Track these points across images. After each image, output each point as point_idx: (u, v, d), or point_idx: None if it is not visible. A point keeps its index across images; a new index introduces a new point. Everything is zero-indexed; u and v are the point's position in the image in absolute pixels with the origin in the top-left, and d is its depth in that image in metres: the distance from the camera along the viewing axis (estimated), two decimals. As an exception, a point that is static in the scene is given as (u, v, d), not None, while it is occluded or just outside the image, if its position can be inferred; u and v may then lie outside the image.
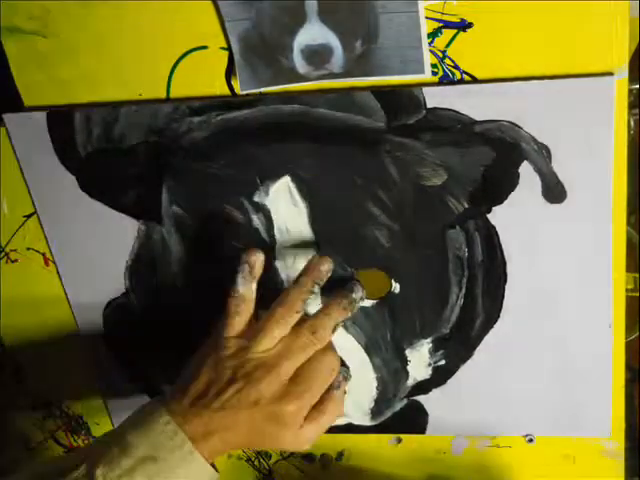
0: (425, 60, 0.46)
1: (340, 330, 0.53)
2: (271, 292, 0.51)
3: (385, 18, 0.45)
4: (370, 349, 0.55)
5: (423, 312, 0.53)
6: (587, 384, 0.54)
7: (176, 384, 0.48)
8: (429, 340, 0.54)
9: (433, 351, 0.55)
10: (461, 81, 0.47)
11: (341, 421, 0.57)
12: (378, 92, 0.48)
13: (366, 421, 0.58)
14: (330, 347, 0.49)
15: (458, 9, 0.45)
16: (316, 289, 0.48)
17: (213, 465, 0.46)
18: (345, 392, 0.50)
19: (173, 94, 0.51)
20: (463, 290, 0.52)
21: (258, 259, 0.49)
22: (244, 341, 0.47)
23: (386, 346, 0.54)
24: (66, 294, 0.59)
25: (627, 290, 0.51)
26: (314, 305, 0.50)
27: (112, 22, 0.49)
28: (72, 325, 0.60)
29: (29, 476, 0.45)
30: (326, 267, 0.49)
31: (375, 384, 0.56)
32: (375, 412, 0.57)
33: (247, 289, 0.49)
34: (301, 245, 0.52)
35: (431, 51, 0.46)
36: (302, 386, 0.46)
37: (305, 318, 0.48)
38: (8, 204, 0.57)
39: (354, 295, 0.49)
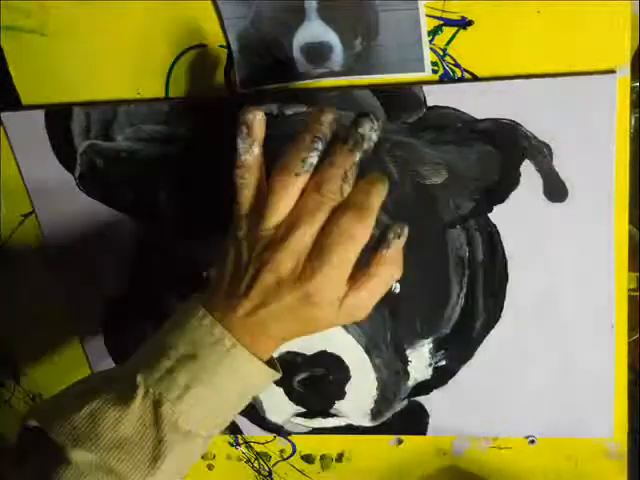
0: (425, 58, 0.46)
1: (340, 330, 0.53)
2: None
3: (385, 16, 0.45)
4: (370, 349, 0.54)
5: (424, 312, 0.53)
6: (589, 385, 0.53)
7: (212, 278, 0.43)
8: (430, 340, 0.54)
9: (434, 351, 0.55)
10: (462, 79, 0.47)
11: (341, 422, 0.57)
12: (378, 90, 0.47)
13: (366, 422, 0.57)
14: (350, 204, 0.40)
15: (458, 7, 0.45)
16: (319, 145, 0.41)
17: (270, 363, 0.42)
18: (398, 253, 0.42)
19: (172, 92, 0.51)
20: (464, 290, 0.52)
21: (255, 117, 0.41)
22: (255, 217, 0.41)
23: (386, 346, 0.54)
24: (64, 293, 0.58)
25: (629, 290, 0.51)
26: None
27: (110, 20, 0.49)
28: (71, 325, 0.60)
29: (83, 390, 0.43)
30: (328, 117, 0.41)
31: (375, 385, 0.55)
32: (375, 413, 0.57)
33: (249, 155, 0.42)
34: None
35: (431, 49, 0.46)
36: (319, 259, 0.40)
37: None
38: (6, 203, 0.56)
39: (360, 130, 0.40)
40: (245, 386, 0.42)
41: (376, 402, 0.56)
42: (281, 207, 0.41)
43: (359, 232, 0.40)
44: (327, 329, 0.42)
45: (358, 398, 0.55)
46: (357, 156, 0.40)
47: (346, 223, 0.40)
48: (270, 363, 0.43)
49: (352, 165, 0.40)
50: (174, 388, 0.40)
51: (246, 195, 0.42)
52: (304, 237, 0.40)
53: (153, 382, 0.40)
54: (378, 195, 0.41)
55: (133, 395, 0.40)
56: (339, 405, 0.55)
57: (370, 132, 0.40)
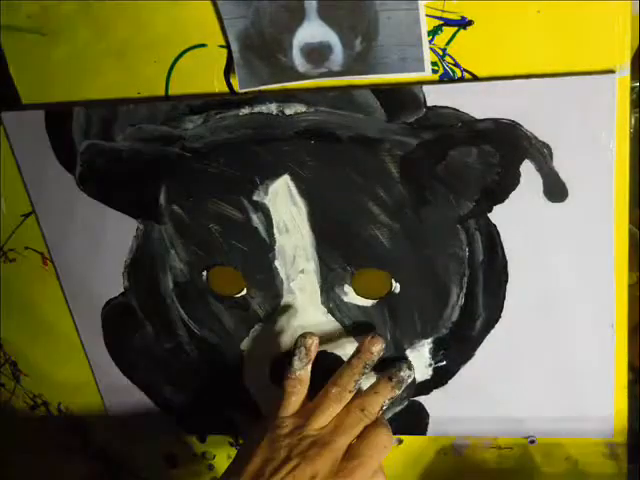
0: (425, 58, 0.46)
1: (340, 330, 0.53)
2: (272, 297, 0.51)
3: (385, 16, 0.45)
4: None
5: (423, 312, 0.53)
6: (589, 384, 0.53)
7: (232, 464, 0.49)
8: (430, 340, 0.54)
9: (434, 351, 0.55)
10: (461, 79, 0.47)
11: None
12: (378, 90, 0.47)
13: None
14: (381, 423, 0.50)
15: (458, 6, 0.45)
16: (367, 370, 0.51)
17: None
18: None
19: (172, 92, 0.51)
20: (464, 290, 0.52)
21: (314, 342, 0.51)
22: (299, 420, 0.49)
23: (386, 346, 0.54)
24: (64, 294, 0.58)
25: (629, 289, 0.51)
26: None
27: (110, 20, 0.49)
28: (70, 325, 0.60)
29: None
30: (378, 348, 0.51)
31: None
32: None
33: (304, 371, 0.51)
34: (302, 247, 0.52)
35: (431, 49, 0.46)
36: (355, 462, 0.47)
37: (356, 396, 0.50)
38: (6, 203, 0.56)
39: (402, 374, 0.52)
40: None
41: None
42: (331, 414, 0.49)
43: (389, 442, 0.50)
44: None
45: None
46: (396, 393, 0.51)
47: (379, 435, 0.49)
48: None
49: (391, 398, 0.51)
50: None
51: (294, 401, 0.50)
52: (346, 443, 0.48)
53: None
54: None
55: None
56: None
57: (409, 377, 0.52)
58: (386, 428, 0.50)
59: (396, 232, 0.50)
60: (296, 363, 0.51)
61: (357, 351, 0.51)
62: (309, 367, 0.51)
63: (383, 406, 0.50)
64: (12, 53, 0.51)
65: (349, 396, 0.50)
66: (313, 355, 0.51)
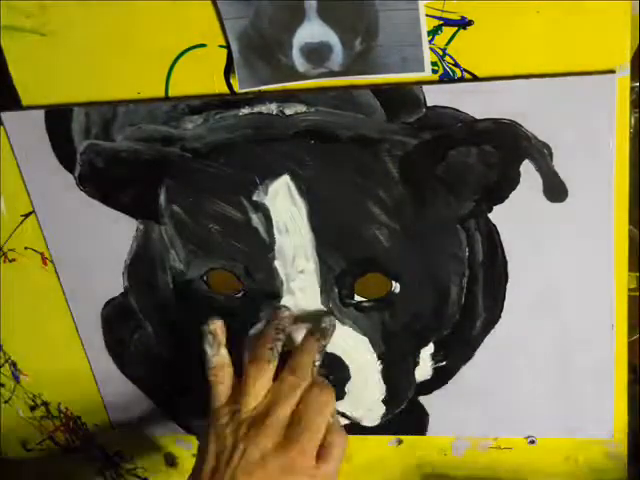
0: (425, 58, 0.46)
1: (340, 330, 0.53)
2: (272, 297, 0.51)
3: (385, 16, 0.45)
4: (370, 349, 0.54)
5: (424, 312, 0.53)
6: (589, 385, 0.53)
7: (193, 467, 0.49)
8: (430, 340, 0.54)
9: (434, 351, 0.55)
10: (461, 79, 0.47)
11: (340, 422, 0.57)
12: (378, 90, 0.47)
13: (369, 422, 0.57)
14: (318, 382, 0.49)
15: (458, 6, 0.45)
16: (281, 336, 0.50)
17: None
18: (338, 421, 0.51)
19: (172, 93, 0.51)
20: (464, 290, 0.52)
21: (217, 325, 0.51)
22: (234, 405, 0.49)
23: (387, 346, 0.54)
24: (64, 294, 0.58)
25: (629, 290, 0.51)
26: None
27: (110, 20, 0.49)
28: (70, 325, 0.60)
29: None
30: (286, 314, 0.52)
31: (380, 384, 0.55)
32: (383, 413, 0.56)
33: (219, 356, 0.51)
34: (300, 246, 0.52)
35: (431, 49, 0.46)
36: (298, 428, 0.47)
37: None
38: (6, 203, 0.56)
39: (323, 325, 0.51)
40: None
41: (383, 402, 0.56)
42: (259, 390, 0.48)
43: (329, 398, 0.48)
44: None
45: (359, 398, 0.55)
46: (323, 344, 0.50)
47: (316, 394, 0.48)
48: None
49: (320, 351, 0.50)
50: None
51: (222, 389, 0.50)
52: (286, 413, 0.47)
53: None
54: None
55: None
56: (339, 405, 0.55)
57: (331, 325, 0.51)
58: (322, 385, 0.49)
59: (396, 232, 0.50)
60: (208, 350, 0.51)
61: (267, 321, 0.52)
62: (223, 350, 0.51)
63: (315, 363, 0.49)
64: (12, 53, 0.51)
65: (270, 367, 0.49)
66: (222, 338, 0.51)
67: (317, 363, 0.49)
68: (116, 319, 0.58)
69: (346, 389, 0.54)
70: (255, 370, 0.49)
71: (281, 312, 0.52)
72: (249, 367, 0.49)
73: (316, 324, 0.51)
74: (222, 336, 0.51)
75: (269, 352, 0.49)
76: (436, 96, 0.47)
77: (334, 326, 0.52)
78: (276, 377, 0.49)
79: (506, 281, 0.51)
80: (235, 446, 0.47)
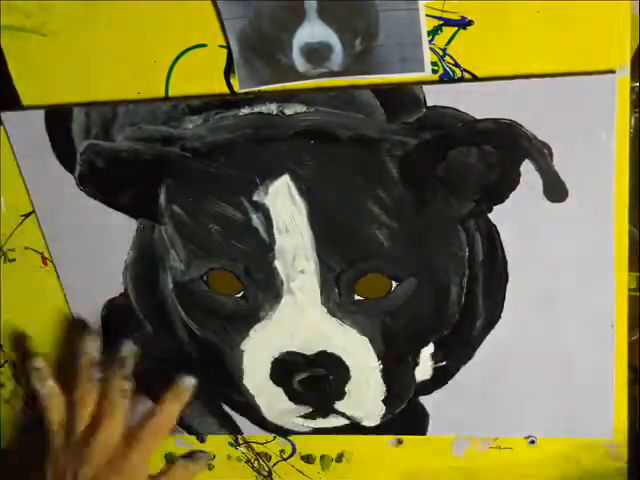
0: (425, 58, 0.46)
1: (340, 330, 0.53)
2: (272, 297, 0.51)
3: (385, 16, 0.45)
4: (370, 349, 0.54)
5: (423, 312, 0.53)
6: (589, 385, 0.53)
7: None
8: (430, 340, 0.54)
9: (434, 351, 0.55)
10: (461, 79, 0.47)
11: (341, 422, 0.57)
12: (378, 90, 0.47)
13: (369, 422, 0.57)
14: (110, 390, 0.55)
15: (458, 7, 0.45)
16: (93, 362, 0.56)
17: None
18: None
19: (172, 93, 0.51)
20: (464, 290, 0.52)
21: (39, 361, 0.57)
22: (64, 430, 0.55)
23: (387, 346, 0.54)
24: (64, 294, 0.58)
25: (629, 289, 0.51)
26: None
27: (110, 20, 0.49)
28: (71, 325, 0.60)
29: None
30: (91, 345, 0.57)
31: (380, 384, 0.55)
32: (384, 413, 0.57)
33: (45, 388, 0.57)
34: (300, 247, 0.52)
35: (431, 49, 0.46)
36: (128, 444, 0.54)
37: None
38: (6, 203, 0.56)
39: (123, 354, 0.56)
40: None
41: (383, 402, 0.56)
42: (84, 413, 0.54)
43: (121, 396, 0.55)
44: None
45: (359, 398, 0.55)
46: (127, 370, 0.56)
47: (110, 399, 0.55)
48: None
49: (124, 378, 0.55)
50: None
51: (54, 416, 0.56)
52: (112, 432, 0.54)
53: None
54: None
55: None
56: (339, 405, 0.55)
57: (129, 354, 0.56)
58: (115, 391, 0.54)
59: (396, 232, 0.50)
60: (37, 385, 0.57)
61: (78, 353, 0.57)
62: (50, 382, 0.56)
63: (124, 388, 0.55)
64: (12, 53, 0.51)
65: (92, 390, 0.55)
66: (46, 372, 0.57)
67: (126, 387, 0.55)
68: (116, 319, 0.58)
69: (346, 389, 0.54)
70: (78, 397, 0.55)
71: (86, 344, 0.57)
72: (73, 396, 0.55)
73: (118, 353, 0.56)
74: (46, 370, 0.57)
75: (85, 378, 0.55)
76: (436, 96, 0.47)
77: (134, 354, 0.57)
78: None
79: (506, 281, 0.51)
80: (66, 468, 0.53)
